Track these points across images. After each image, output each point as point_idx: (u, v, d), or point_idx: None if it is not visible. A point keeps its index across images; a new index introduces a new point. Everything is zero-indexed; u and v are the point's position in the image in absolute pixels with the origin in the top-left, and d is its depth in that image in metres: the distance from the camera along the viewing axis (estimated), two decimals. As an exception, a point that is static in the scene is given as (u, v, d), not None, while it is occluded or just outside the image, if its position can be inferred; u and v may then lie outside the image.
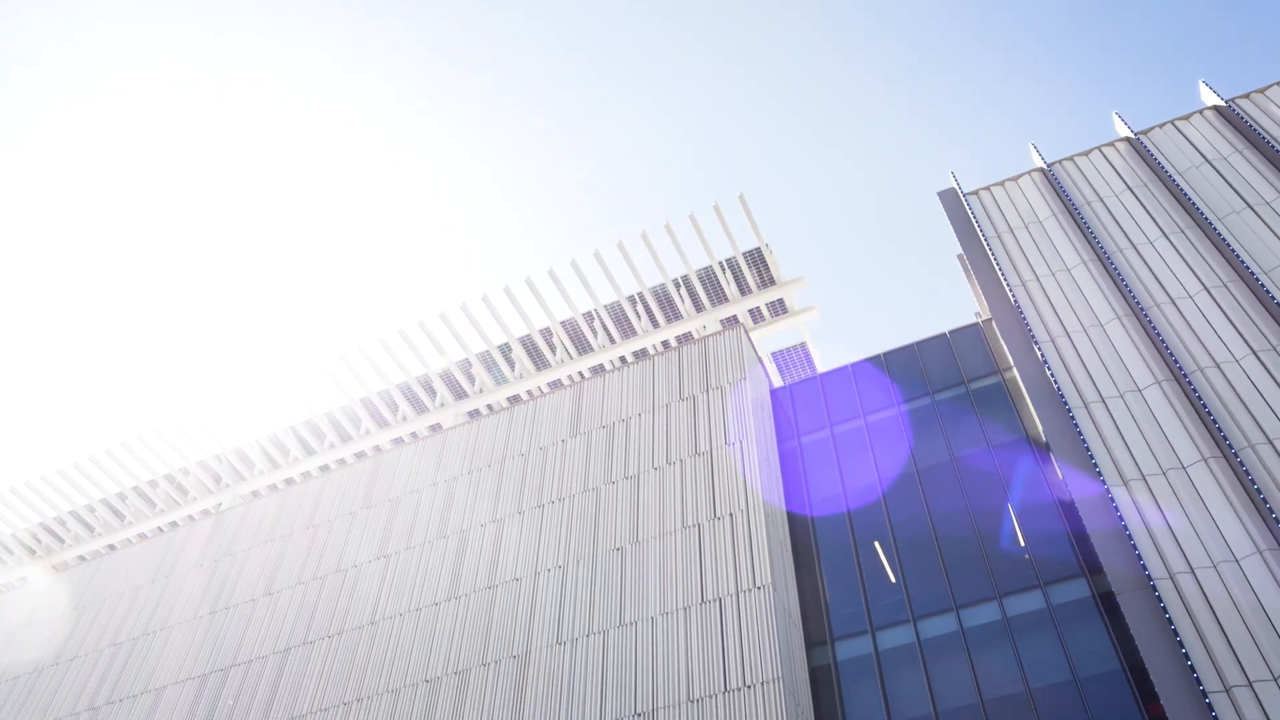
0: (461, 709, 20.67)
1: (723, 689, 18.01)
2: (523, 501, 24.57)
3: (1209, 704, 15.10)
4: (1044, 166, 27.87)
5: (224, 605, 27.41)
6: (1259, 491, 17.27)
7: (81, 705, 27.23)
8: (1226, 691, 15.26)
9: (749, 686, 17.79)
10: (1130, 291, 22.32)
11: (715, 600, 19.54)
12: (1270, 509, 16.97)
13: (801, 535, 22.52)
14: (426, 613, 23.27)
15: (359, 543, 26.51)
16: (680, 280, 34.77)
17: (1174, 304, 21.78)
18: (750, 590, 19.28)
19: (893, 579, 20.88)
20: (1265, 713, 14.87)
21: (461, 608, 22.87)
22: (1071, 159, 27.75)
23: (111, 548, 41.24)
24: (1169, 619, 16.30)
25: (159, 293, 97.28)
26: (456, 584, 23.53)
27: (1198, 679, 15.44)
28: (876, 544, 21.68)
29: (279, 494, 30.49)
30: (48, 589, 33.27)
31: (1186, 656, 15.76)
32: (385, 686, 22.13)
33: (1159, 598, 16.62)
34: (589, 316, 35.64)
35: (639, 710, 18.53)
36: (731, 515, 20.96)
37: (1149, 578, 16.97)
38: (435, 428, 37.00)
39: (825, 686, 19.66)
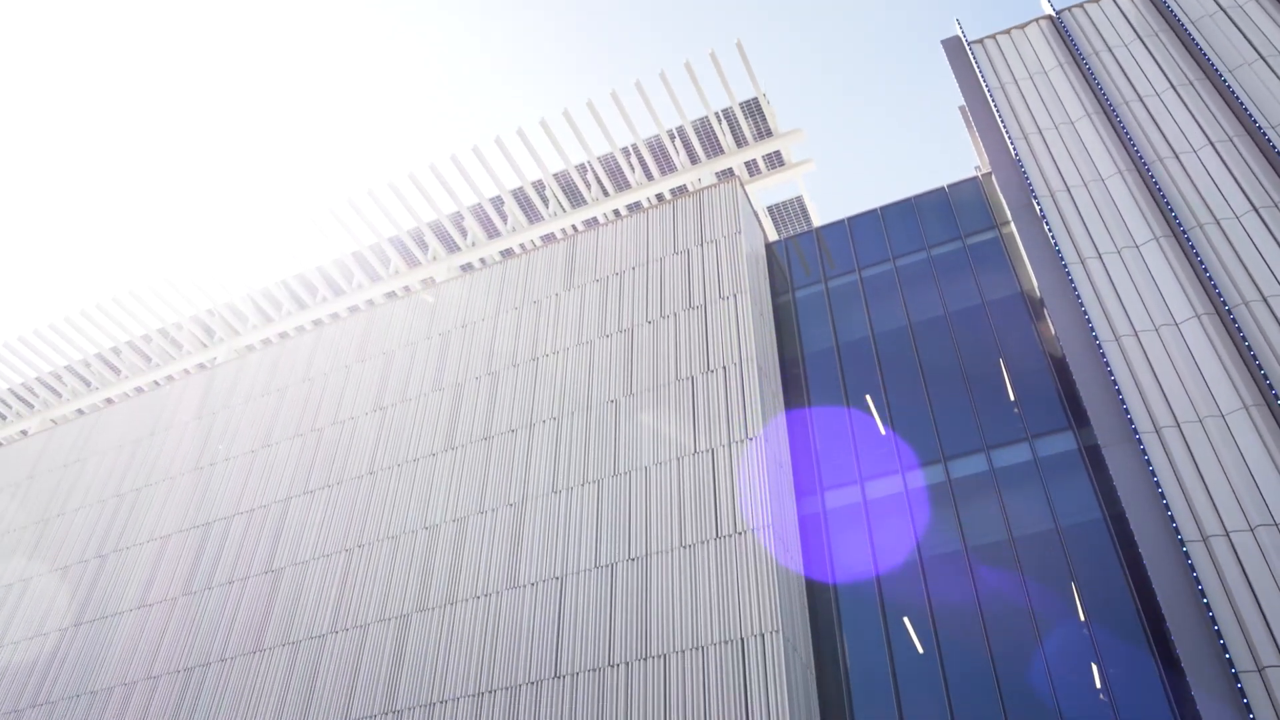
0: (460, 553, 21.27)
1: (714, 535, 18.51)
2: (517, 355, 24.66)
3: (1185, 552, 15.55)
4: (1053, 14, 26.91)
5: (223, 457, 27.82)
6: (1249, 348, 17.36)
7: (90, 552, 27.95)
8: (1204, 541, 15.70)
9: (739, 533, 18.28)
10: (1134, 145, 21.89)
11: (708, 451, 19.86)
12: (1259, 365, 17.10)
13: (794, 388, 22.74)
14: (424, 463, 23.67)
15: (354, 396, 26.74)
16: (675, 131, 34.00)
17: (1177, 158, 21.41)
18: (742, 441, 19.58)
19: (883, 431, 21.20)
20: (1239, 560, 15.35)
21: (458, 458, 23.24)
22: (1082, 5, 26.76)
23: (109, 401, 41.58)
24: (1152, 471, 16.64)
25: (149, 146, 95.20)
26: (453, 435, 23.85)
27: (1176, 529, 15.86)
28: (868, 397, 21.92)
29: (272, 348, 30.56)
30: (48, 442, 33.69)
31: (1167, 507, 16.15)
32: (385, 534, 22.70)
33: (1144, 451, 16.93)
34: (582, 169, 35.00)
35: (633, 555, 19.08)
36: (725, 368, 21.10)
37: (1135, 431, 17.24)
38: (427, 282, 36.81)
39: (813, 534, 20.21)
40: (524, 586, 19.85)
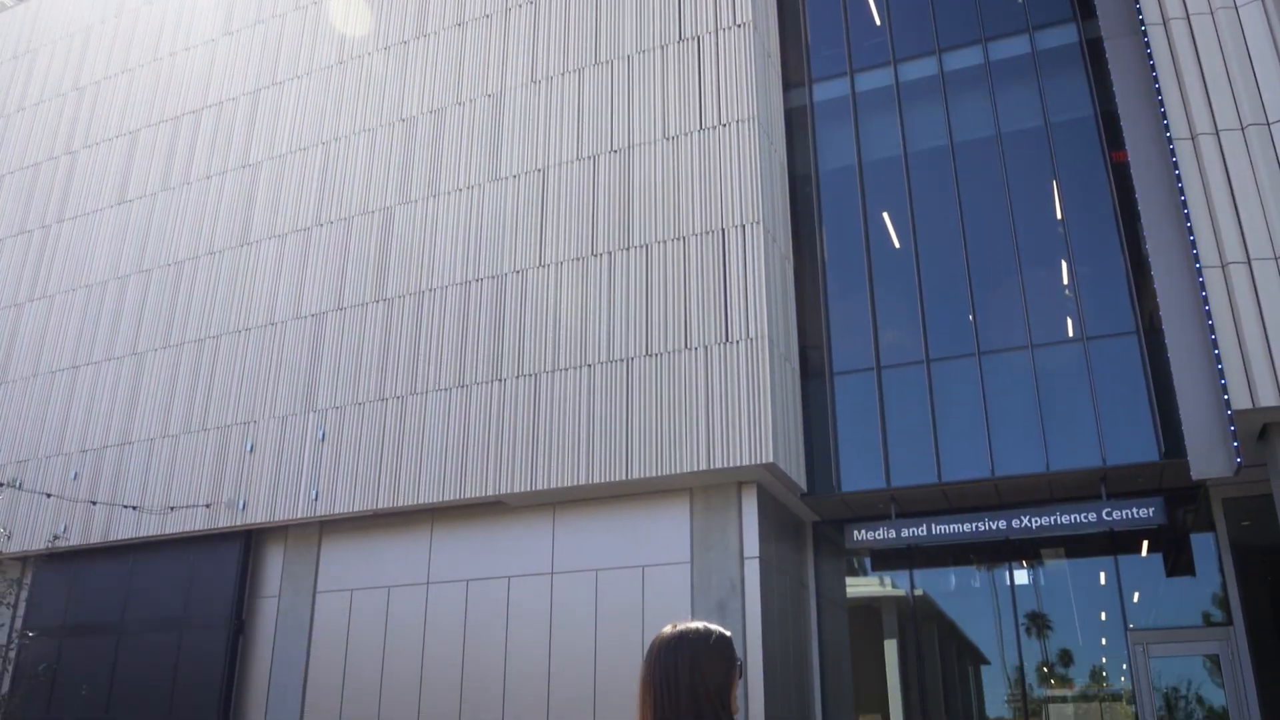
0: (439, 146, 20.89)
1: (698, 127, 18.11)
2: (489, -66, 22.66)
3: (1172, 150, 15.42)
4: None
5: (183, 47, 26.40)
6: (1280, -69, 16.12)
7: (59, 149, 27.32)
8: (1192, 139, 15.49)
9: (724, 125, 17.88)
10: None
11: (693, 38, 18.91)
12: (1286, -50, 15.97)
13: (787, -24, 21.29)
14: (395, 51, 22.53)
15: (317, -20, 24.87)
16: None
17: None
18: (730, 28, 18.58)
19: (878, 21, 20.17)
20: (1224, 158, 15.25)
21: (430, 46, 22.10)
22: None
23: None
24: (1152, 65, 16.08)
25: None
26: (424, 21, 22.48)
27: (1167, 126, 15.61)
28: (866, -17, 20.63)
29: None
30: (-6, 29, 31.76)
31: (1161, 104, 15.79)
32: (361, 126, 22.12)
33: (1147, 44, 16.25)
34: None
35: (615, 147, 18.78)
36: (715, -51, 19.54)
37: (1142, 23, 16.44)
38: None
39: (799, 126, 19.87)
40: (505, 179, 19.72)
